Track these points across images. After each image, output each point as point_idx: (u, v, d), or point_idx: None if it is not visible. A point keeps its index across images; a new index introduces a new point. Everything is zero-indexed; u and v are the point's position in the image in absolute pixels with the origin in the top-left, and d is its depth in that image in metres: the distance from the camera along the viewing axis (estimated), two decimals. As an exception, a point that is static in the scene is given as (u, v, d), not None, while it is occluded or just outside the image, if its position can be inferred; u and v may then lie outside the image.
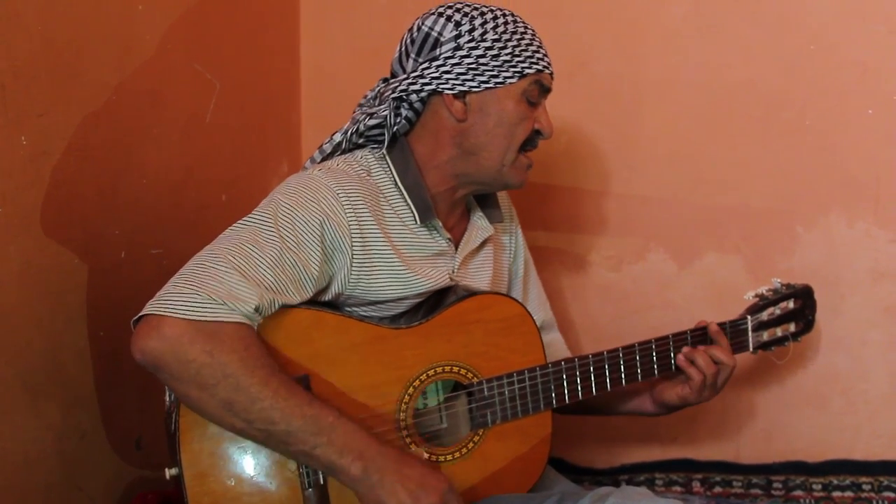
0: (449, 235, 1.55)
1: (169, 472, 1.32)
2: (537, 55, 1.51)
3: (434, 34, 1.49)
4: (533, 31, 1.53)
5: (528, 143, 1.54)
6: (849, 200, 1.96)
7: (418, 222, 1.50)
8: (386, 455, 1.30)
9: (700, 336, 1.64)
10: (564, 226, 2.18)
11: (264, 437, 1.29)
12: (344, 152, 1.55)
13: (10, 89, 1.47)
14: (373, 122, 1.51)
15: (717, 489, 2.06)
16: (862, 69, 1.94)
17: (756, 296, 1.73)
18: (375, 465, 1.29)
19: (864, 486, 1.97)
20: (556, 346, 1.80)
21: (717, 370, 1.61)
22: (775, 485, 2.03)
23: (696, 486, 2.08)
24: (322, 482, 1.34)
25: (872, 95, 1.93)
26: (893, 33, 1.91)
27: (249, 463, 1.33)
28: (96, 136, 1.66)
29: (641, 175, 2.11)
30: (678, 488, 2.07)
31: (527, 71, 1.49)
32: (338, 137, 1.54)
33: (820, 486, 2.00)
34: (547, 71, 1.53)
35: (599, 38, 2.13)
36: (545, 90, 1.54)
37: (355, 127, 1.52)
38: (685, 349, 1.62)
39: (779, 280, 1.76)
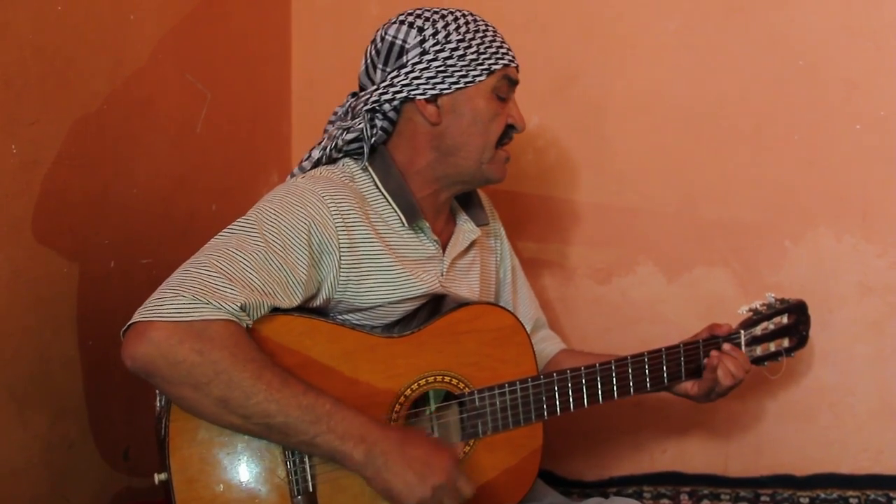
0: (436, 238, 1.56)
1: (158, 477, 1.31)
2: (501, 50, 1.52)
3: (399, 42, 1.50)
4: (494, 27, 1.54)
5: (504, 138, 1.55)
6: (836, 215, 1.98)
7: (405, 224, 1.50)
8: (389, 437, 1.30)
9: (692, 350, 1.64)
10: (553, 238, 2.18)
11: (264, 431, 1.29)
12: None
13: (0, 97, 1.46)
14: (350, 135, 1.52)
15: (706, 502, 2.07)
16: (850, 85, 1.95)
17: (750, 310, 1.73)
18: (379, 449, 1.29)
19: (852, 500, 1.98)
20: (552, 341, 1.82)
21: (735, 383, 1.63)
22: (763, 498, 2.04)
23: (685, 498, 2.08)
24: (311, 489, 1.34)
25: (860, 111, 1.95)
26: (881, 50, 1.93)
27: (239, 469, 1.32)
28: (87, 145, 1.65)
29: (631, 188, 2.12)
30: (666, 501, 2.08)
31: (494, 67, 1.50)
32: (316, 154, 1.54)
33: (807, 500, 2.00)
34: (513, 65, 1.54)
35: (590, 52, 2.15)
36: (513, 84, 1.55)
37: (333, 143, 1.52)
38: (714, 352, 1.63)
39: (772, 295, 1.76)
